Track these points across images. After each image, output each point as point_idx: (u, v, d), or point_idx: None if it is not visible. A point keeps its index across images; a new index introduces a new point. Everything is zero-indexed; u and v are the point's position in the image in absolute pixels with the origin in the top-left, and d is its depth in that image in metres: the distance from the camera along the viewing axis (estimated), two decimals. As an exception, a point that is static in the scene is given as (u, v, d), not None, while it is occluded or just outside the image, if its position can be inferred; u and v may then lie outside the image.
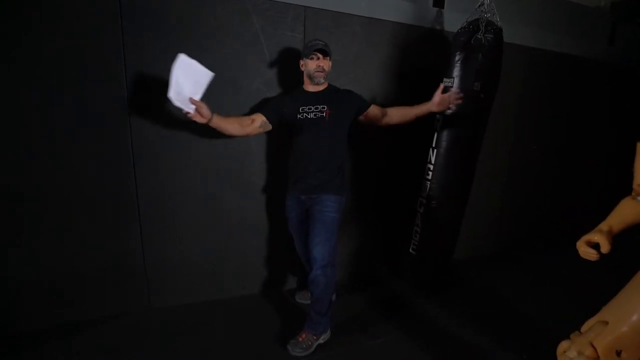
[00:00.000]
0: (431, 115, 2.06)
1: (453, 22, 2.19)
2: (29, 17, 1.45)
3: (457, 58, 1.90)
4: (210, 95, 1.79)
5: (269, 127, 1.74)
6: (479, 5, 1.89)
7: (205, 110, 1.50)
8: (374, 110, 1.81)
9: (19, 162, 1.56)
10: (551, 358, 1.17)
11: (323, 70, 1.67)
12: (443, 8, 2.21)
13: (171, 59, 1.70)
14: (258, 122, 1.70)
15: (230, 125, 1.63)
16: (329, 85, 1.77)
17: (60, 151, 1.61)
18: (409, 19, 2.14)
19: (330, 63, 1.71)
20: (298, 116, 1.69)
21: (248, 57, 1.83)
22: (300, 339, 1.71)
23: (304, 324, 1.75)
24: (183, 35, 1.69)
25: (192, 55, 1.58)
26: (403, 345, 1.80)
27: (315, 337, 1.73)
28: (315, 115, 1.68)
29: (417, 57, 2.22)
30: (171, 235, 1.91)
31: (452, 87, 1.93)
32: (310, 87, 1.73)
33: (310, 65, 1.67)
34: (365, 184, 2.30)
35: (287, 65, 1.90)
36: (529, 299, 2.27)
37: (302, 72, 1.73)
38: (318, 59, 1.66)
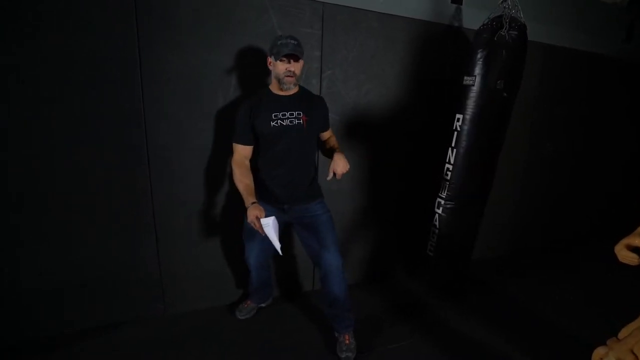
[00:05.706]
0: (451, 114, 2.03)
1: (472, 18, 2.15)
2: (39, 13, 1.39)
3: (479, 56, 1.84)
4: (224, 94, 1.75)
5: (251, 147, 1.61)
6: (502, 2, 1.84)
7: (260, 218, 1.45)
8: (324, 135, 1.71)
9: (33, 167, 1.50)
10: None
11: (293, 75, 1.48)
12: (461, 4, 2.16)
13: (185, 56, 1.64)
14: (247, 153, 1.58)
15: (251, 181, 1.57)
16: (301, 88, 1.61)
17: (74, 156, 1.56)
18: (427, 15, 2.09)
19: (302, 65, 1.51)
20: (272, 124, 1.51)
21: (264, 54, 1.78)
22: (348, 342, 1.68)
23: (338, 327, 1.70)
24: (197, 30, 1.63)
25: (205, 51, 1.54)
26: (422, 349, 1.76)
27: (353, 335, 1.71)
28: (291, 122, 1.52)
29: (435, 54, 2.17)
30: (187, 241, 1.86)
31: (473, 85, 1.88)
32: (279, 91, 1.55)
33: (279, 68, 1.46)
34: (384, 184, 2.25)
35: (305, 63, 1.85)
36: (548, 301, 2.23)
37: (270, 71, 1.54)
38: (289, 62, 1.46)
